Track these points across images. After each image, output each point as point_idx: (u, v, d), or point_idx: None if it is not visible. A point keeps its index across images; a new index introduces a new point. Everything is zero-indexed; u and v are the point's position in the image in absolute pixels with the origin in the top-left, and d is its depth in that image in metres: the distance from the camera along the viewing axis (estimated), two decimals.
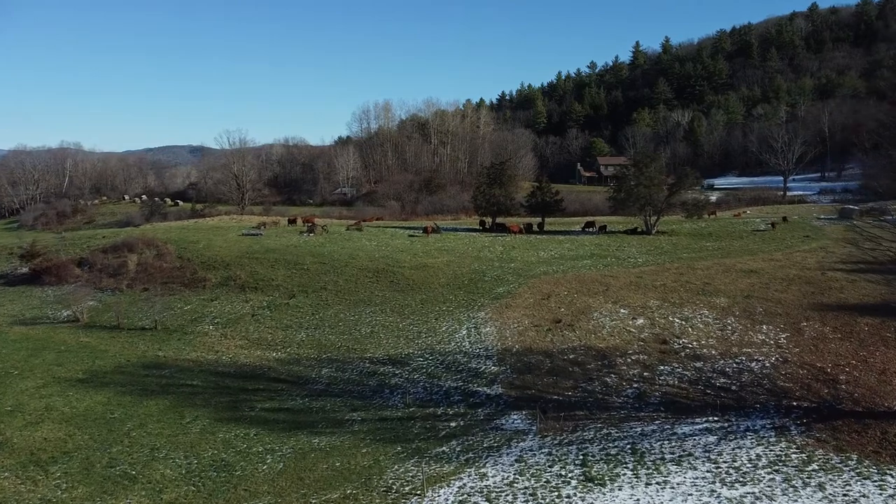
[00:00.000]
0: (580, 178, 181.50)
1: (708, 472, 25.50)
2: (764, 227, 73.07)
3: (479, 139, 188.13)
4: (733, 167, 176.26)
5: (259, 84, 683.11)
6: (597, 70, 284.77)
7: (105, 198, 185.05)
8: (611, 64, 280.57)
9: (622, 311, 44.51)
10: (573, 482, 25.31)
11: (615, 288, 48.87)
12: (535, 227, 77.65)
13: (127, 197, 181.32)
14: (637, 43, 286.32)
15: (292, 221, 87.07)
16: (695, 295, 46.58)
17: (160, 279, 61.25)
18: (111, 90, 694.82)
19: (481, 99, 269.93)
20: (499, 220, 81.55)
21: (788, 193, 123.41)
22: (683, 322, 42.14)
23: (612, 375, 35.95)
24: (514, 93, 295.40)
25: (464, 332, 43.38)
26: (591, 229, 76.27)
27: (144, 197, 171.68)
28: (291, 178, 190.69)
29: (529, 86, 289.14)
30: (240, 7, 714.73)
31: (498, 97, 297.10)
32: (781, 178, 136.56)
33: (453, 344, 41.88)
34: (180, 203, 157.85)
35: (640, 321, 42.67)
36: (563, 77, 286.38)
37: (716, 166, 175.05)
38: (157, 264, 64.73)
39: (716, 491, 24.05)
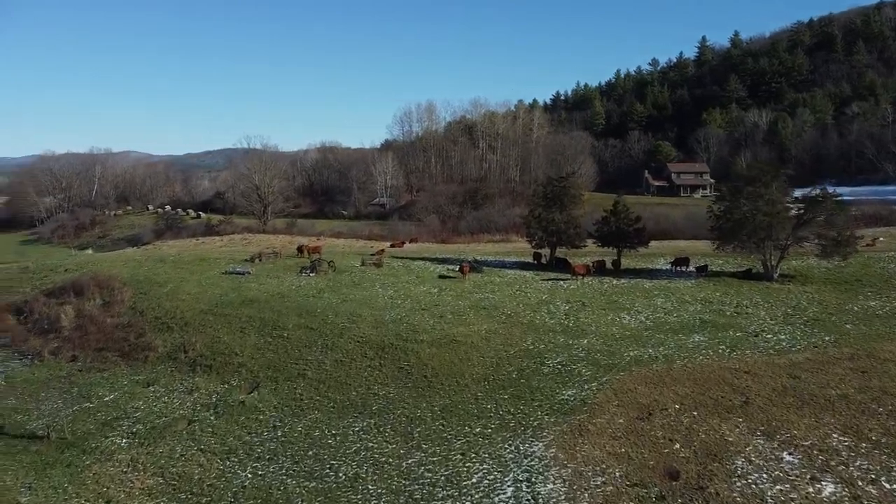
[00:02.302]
0: (648, 187, 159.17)
1: None
2: None
3: (532, 143, 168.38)
4: (828, 175, 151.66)
5: (303, 87, 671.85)
6: (659, 67, 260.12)
7: (129, 207, 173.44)
8: (674, 61, 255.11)
9: (787, 457, 25.49)
10: None
11: (759, 400, 29.73)
12: (608, 265, 58.07)
13: (150, 207, 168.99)
14: (703, 37, 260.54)
15: (300, 250, 69.85)
16: None
17: (96, 343, 44.83)
18: (163, 93, 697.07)
19: (534, 100, 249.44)
20: (559, 252, 62.55)
21: None
22: None
23: None
24: (569, 93, 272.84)
25: (509, 492, 25.12)
26: (685, 268, 56.29)
27: (168, 207, 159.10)
28: (328, 186, 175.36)
29: (586, 85, 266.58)
30: (282, 6, 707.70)
31: (552, 97, 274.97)
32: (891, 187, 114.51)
33: None
34: (202, 215, 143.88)
35: (829, 488, 23.59)
36: (623, 75, 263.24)
37: (807, 174, 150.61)
38: (100, 319, 48.39)
39: None
